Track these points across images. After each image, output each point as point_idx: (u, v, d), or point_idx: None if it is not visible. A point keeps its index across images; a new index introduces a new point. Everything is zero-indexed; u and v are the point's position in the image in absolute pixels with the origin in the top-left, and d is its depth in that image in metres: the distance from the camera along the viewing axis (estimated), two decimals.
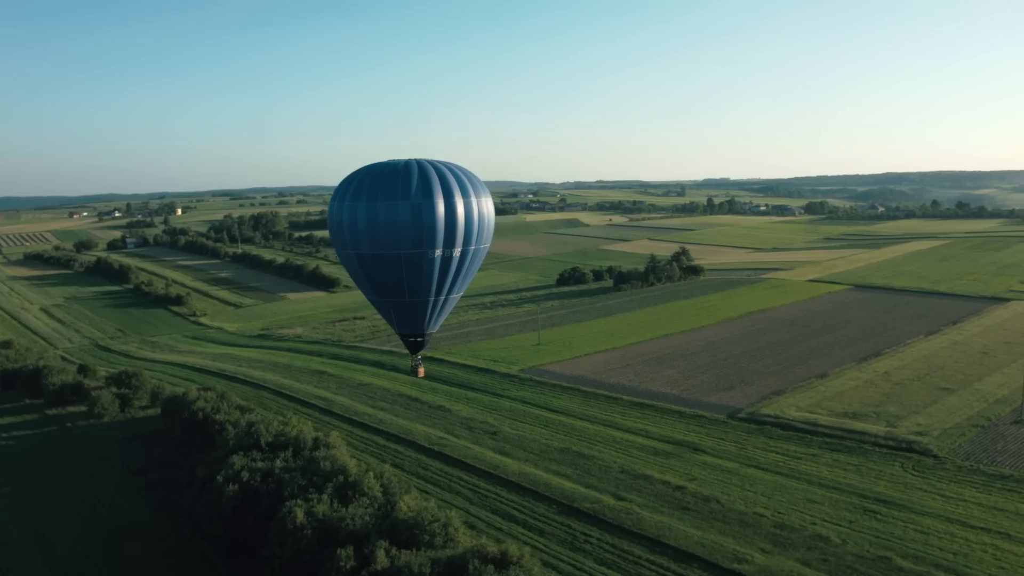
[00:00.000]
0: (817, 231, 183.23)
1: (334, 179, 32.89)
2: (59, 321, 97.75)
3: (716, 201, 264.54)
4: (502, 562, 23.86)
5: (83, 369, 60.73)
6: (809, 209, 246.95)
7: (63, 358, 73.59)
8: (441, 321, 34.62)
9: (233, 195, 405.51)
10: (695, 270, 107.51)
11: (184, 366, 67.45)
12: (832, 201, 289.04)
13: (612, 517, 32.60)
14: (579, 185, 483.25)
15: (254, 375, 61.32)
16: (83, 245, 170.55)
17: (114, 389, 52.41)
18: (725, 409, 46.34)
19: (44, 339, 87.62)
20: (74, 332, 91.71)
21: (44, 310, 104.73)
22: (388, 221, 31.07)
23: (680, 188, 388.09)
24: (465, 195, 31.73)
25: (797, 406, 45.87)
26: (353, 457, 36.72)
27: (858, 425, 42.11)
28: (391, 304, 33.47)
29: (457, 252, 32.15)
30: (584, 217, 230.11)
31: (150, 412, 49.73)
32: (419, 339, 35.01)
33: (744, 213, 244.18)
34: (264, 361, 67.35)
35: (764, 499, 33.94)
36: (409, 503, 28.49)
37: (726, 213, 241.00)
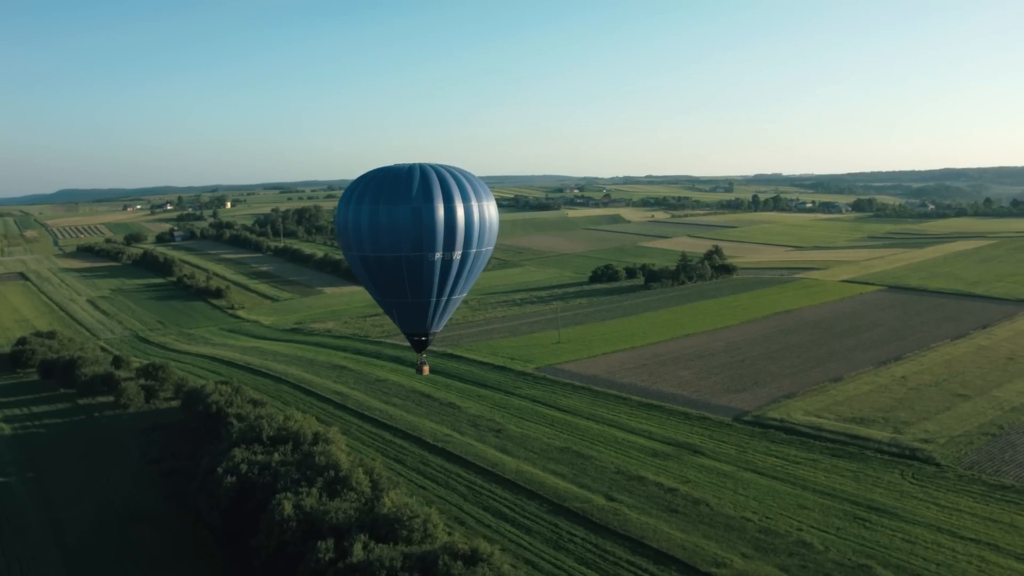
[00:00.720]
0: (862, 229, 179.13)
1: None
2: (103, 312, 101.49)
3: (762, 198, 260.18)
4: (472, 559, 24.53)
5: (117, 361, 63.23)
6: (856, 207, 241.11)
7: (102, 349, 76.66)
8: (444, 321, 35.37)
9: (283, 188, 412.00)
10: (727, 269, 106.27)
11: (214, 359, 69.60)
12: (882, 198, 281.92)
13: (599, 517, 32.95)
14: (628, 180, 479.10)
15: (277, 369, 63.00)
16: (133, 238, 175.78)
17: (141, 381, 54.53)
18: (732, 411, 46.21)
19: (88, 330, 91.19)
20: (116, 323, 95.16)
21: (91, 301, 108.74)
22: (389, 224, 31.92)
23: (728, 184, 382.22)
24: (465, 199, 32.38)
25: (805, 410, 45.42)
26: (353, 451, 37.85)
27: (863, 431, 41.53)
28: (394, 304, 34.36)
29: (457, 255, 32.82)
30: (627, 213, 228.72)
31: (173, 404, 51.58)
32: (423, 338, 35.82)
33: (789, 210, 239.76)
34: (290, 355, 69.08)
35: (755, 503, 33.90)
36: (394, 499, 29.36)
37: (771, 210, 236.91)
